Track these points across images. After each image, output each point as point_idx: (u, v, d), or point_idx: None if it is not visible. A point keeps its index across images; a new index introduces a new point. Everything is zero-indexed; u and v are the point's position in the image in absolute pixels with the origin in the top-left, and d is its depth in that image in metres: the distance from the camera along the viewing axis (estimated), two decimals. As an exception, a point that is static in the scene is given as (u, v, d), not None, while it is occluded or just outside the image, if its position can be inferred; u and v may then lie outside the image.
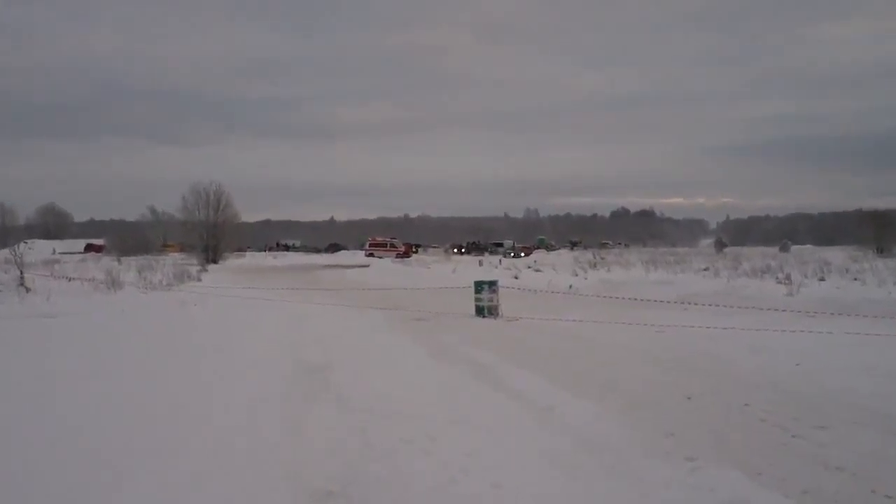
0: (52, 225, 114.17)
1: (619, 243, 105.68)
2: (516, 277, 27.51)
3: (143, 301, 19.89)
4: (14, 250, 27.71)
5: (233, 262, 57.82)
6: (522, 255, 65.25)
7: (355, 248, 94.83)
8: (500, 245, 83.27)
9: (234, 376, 8.90)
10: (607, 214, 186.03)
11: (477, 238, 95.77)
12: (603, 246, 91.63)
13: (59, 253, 74.46)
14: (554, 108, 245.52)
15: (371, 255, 66.90)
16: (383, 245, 70.59)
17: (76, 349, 11.27)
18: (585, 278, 26.28)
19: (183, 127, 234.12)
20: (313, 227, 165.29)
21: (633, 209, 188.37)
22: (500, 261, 46.21)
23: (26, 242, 62.78)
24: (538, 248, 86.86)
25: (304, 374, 9.14)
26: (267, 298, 20.14)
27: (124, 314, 16.37)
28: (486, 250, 78.05)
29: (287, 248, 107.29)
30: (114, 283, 22.90)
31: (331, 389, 8.15)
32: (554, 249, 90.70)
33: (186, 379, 8.77)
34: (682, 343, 11.57)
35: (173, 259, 51.22)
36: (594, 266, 34.81)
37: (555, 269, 33.62)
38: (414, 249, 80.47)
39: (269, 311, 17.23)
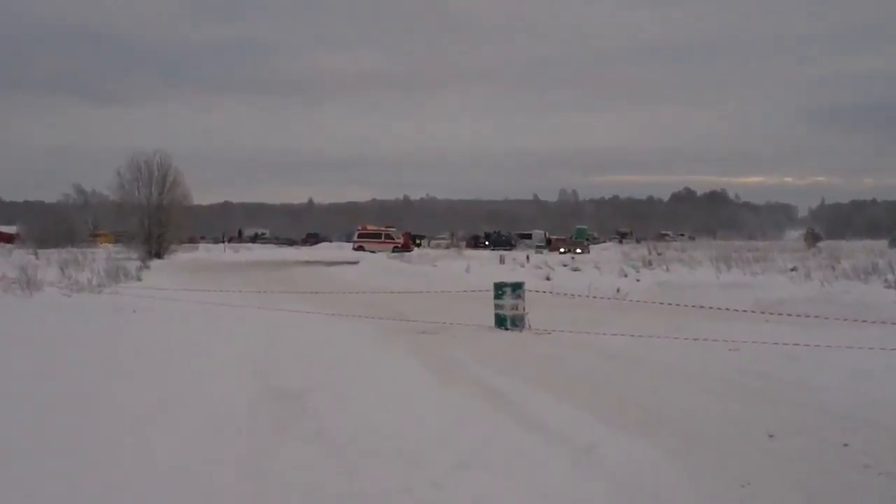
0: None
1: (682, 235, 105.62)
2: (548, 278, 27.48)
3: (66, 307, 19.89)
4: None
5: (182, 256, 57.95)
6: (562, 250, 65.17)
7: (341, 240, 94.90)
8: (528, 237, 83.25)
9: (184, 404, 8.92)
10: (666, 197, 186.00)
11: (497, 228, 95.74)
12: (661, 238, 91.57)
13: (-44, 244, 74.91)
14: (595, 59, 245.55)
15: (361, 248, 67.09)
16: (376, 236, 70.71)
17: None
18: (637, 280, 26.24)
19: (117, 81, 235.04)
20: (287, 211, 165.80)
21: (699, 190, 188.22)
22: (528, 257, 46.16)
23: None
24: (577, 240, 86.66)
25: (275, 400, 9.16)
26: (227, 304, 20.19)
27: (42, 323, 16.40)
28: (510, 243, 77.97)
29: (253, 238, 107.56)
30: (29, 284, 22.94)
31: (308, 420, 8.17)
32: (597, 242, 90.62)
33: (119, 407, 8.77)
34: (762, 365, 11.51)
35: (106, 252, 51.19)
36: (649, 264, 34.77)
37: (598, 267, 33.59)
38: (416, 242, 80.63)
39: (230, 321, 17.26)
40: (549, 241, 77.89)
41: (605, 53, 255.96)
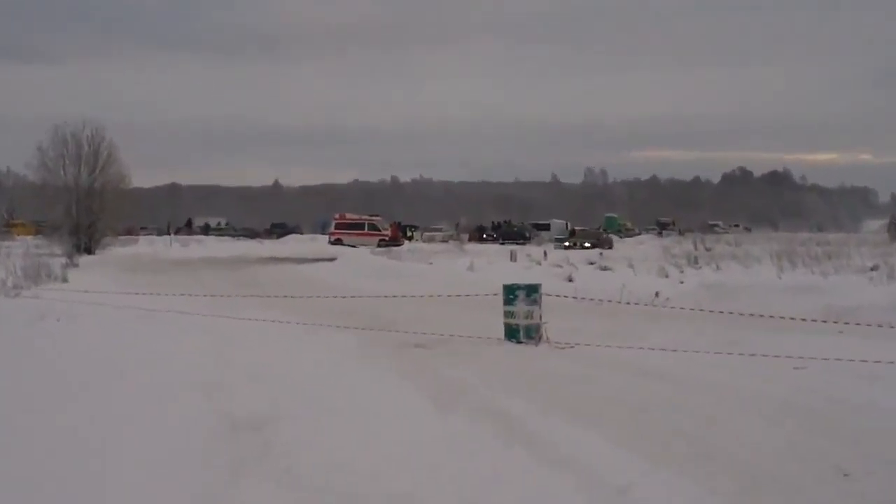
0: None
1: (735, 225, 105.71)
2: (571, 279, 27.49)
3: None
4: None
5: (119, 251, 57.89)
6: (568, 244, 65.22)
7: (314, 232, 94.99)
8: (546, 227, 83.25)
9: (115, 437, 8.89)
10: (716, 179, 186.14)
11: (507, 216, 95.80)
12: (709, 230, 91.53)
13: None
14: (629, 9, 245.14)
15: (339, 241, 67.03)
16: (358, 226, 70.73)
17: None
18: (681, 281, 26.26)
19: (36, 32, 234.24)
20: (247, 196, 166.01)
21: (757, 171, 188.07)
22: (546, 253, 46.18)
23: None
24: (606, 231, 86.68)
25: (231, 431, 9.15)
26: (173, 311, 20.16)
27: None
28: (524, 236, 77.99)
29: (206, 229, 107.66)
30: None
31: (273, 456, 8.16)
32: (632, 234, 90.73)
33: (35, 442, 8.75)
34: (834, 387, 11.51)
35: (24, 246, 51.13)
36: (695, 262, 34.79)
37: (632, 265, 33.58)
38: (407, 234, 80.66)
39: (177, 332, 17.22)
40: (573, 233, 77.90)
41: (640, 4, 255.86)
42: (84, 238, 55.80)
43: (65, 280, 29.97)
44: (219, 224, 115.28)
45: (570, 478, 7.59)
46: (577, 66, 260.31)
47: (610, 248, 61.78)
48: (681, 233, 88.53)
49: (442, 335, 16.65)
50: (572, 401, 10.88)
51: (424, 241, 75.24)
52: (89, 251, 54.19)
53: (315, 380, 12.19)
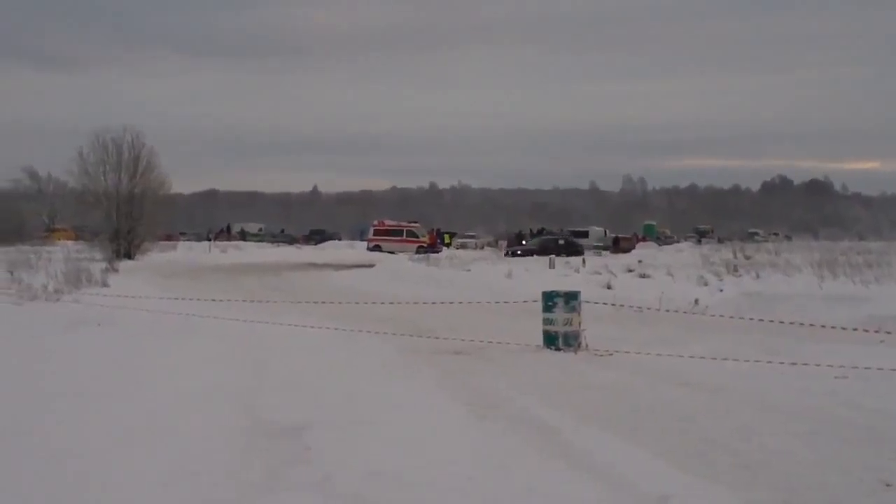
0: None
1: (775, 234, 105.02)
2: (609, 287, 27.39)
3: (15, 318, 20.08)
4: None
5: (158, 257, 57.97)
6: (600, 252, 64.93)
7: (352, 238, 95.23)
8: (584, 235, 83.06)
9: (152, 442, 8.92)
10: (756, 187, 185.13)
11: (545, 224, 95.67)
12: (749, 238, 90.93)
13: None
14: (668, 12, 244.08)
15: (377, 247, 67.28)
16: (397, 233, 70.89)
17: None
18: (721, 289, 26.07)
19: (76, 41, 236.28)
20: (285, 203, 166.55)
21: (797, 179, 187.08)
22: (584, 261, 46.09)
23: None
24: (645, 239, 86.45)
25: (266, 438, 9.16)
26: (211, 316, 20.23)
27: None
28: (562, 243, 77.85)
29: (244, 235, 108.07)
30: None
31: (308, 464, 8.15)
32: (671, 242, 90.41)
33: (71, 443, 8.78)
34: (877, 398, 11.43)
35: (65, 251, 51.35)
36: (734, 270, 34.54)
37: (671, 273, 33.43)
38: (445, 241, 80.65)
39: (214, 337, 17.28)
40: (616, 241, 77.60)
41: (683, 5, 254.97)
42: (124, 243, 55.91)
43: (105, 285, 30.05)
44: (260, 230, 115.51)
45: (607, 488, 7.54)
46: (617, 72, 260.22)
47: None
48: (720, 240, 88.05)
49: (480, 342, 16.63)
50: (610, 410, 10.83)
51: (456, 249, 75.09)
52: (129, 256, 54.37)
53: (352, 386, 12.19)
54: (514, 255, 70.50)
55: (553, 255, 48.47)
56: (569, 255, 53.88)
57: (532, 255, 56.66)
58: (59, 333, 17.55)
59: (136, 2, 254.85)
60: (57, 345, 16.14)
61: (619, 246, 74.12)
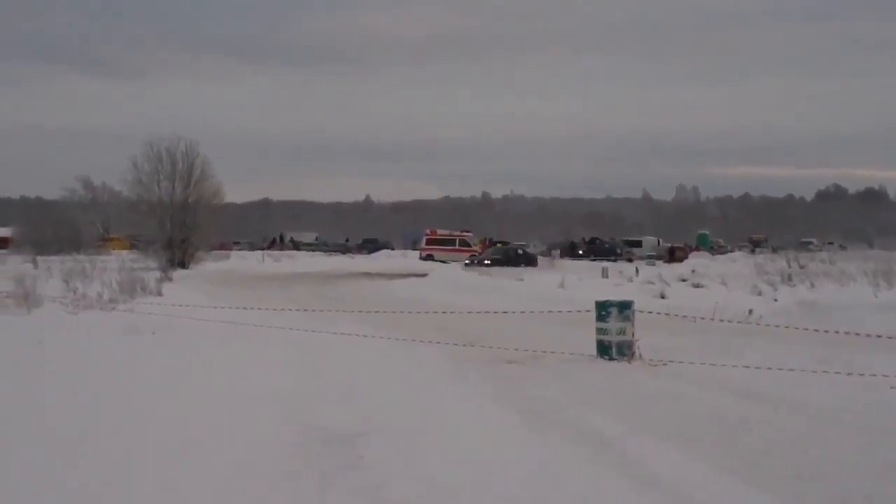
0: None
1: (830, 243, 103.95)
2: (663, 296, 27.32)
3: (70, 326, 20.21)
4: None
5: (211, 266, 58.24)
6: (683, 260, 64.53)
7: (405, 247, 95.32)
8: (637, 244, 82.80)
9: (209, 447, 8.99)
10: (810, 196, 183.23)
11: (597, 233, 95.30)
12: (803, 247, 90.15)
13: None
14: (722, 19, 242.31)
15: (430, 257, 67.26)
16: (449, 242, 70.80)
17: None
18: (775, 299, 25.91)
19: (128, 49, 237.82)
20: (338, 211, 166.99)
21: (851, 188, 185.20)
22: (638, 270, 45.93)
23: None
24: (697, 249, 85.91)
25: (320, 445, 9.20)
26: (264, 325, 20.33)
27: (39, 347, 16.66)
28: (615, 252, 77.58)
29: (297, 245, 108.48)
30: (27, 298, 23.38)
31: (362, 472, 8.17)
32: (724, 251, 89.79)
33: (129, 452, 8.84)
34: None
35: (119, 261, 51.56)
36: (788, 280, 34.31)
37: (725, 283, 33.27)
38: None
39: (268, 346, 17.37)
40: (672, 251, 77.06)
41: (734, 11, 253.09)
42: (178, 252, 56.17)
43: (159, 294, 30.32)
44: (316, 239, 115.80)
45: (662, 499, 7.51)
46: (671, 80, 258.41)
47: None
48: (773, 250, 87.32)
49: (533, 352, 16.60)
50: (665, 419, 10.79)
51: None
52: (183, 265, 54.62)
53: (405, 395, 12.21)
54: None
55: (605, 265, 48.35)
56: (527, 265, 53.60)
57: (493, 265, 56.55)
58: (115, 342, 17.69)
59: (193, 9, 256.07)
60: (112, 353, 16.26)
61: (674, 256, 73.58)
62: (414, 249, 79.59)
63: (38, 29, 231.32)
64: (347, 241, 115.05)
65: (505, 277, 40.00)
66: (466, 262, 60.11)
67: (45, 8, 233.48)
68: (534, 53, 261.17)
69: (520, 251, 64.28)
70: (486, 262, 55.53)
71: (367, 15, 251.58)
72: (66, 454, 8.63)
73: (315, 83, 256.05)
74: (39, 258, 52.81)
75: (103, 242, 79.34)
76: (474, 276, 41.27)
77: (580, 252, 79.62)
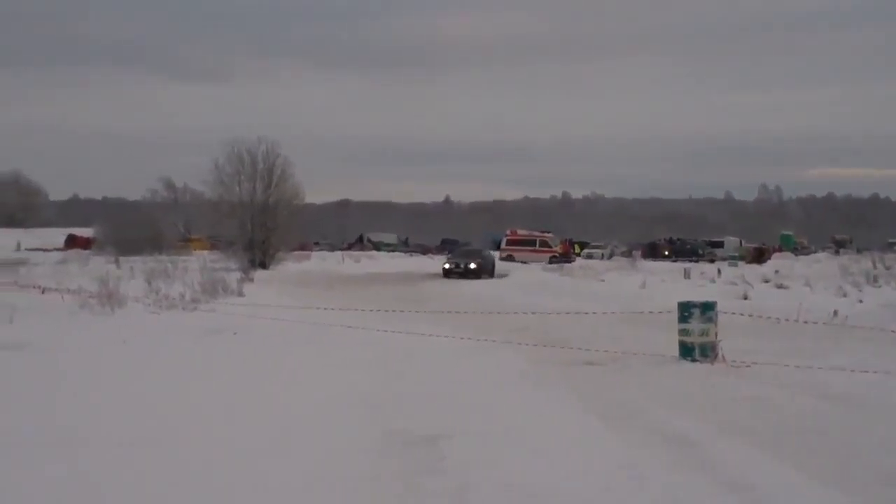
0: (16, 206, 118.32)
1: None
2: (746, 297, 27.08)
3: (153, 326, 20.58)
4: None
5: (292, 267, 58.30)
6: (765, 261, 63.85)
7: (485, 248, 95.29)
8: (719, 245, 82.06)
9: (290, 448, 9.08)
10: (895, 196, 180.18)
11: (678, 233, 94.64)
12: (889, 248, 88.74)
13: (27, 249, 78.17)
14: (805, 20, 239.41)
15: (510, 257, 67.19)
16: (529, 243, 70.67)
17: (39, 405, 11.58)
18: (860, 300, 25.57)
19: (211, 53, 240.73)
20: (418, 212, 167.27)
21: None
22: (720, 271, 45.56)
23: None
24: (780, 249, 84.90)
25: (401, 447, 9.24)
26: (344, 325, 20.44)
27: (126, 346, 16.92)
28: (696, 253, 76.96)
29: (377, 246, 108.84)
30: (110, 299, 23.76)
31: (445, 474, 8.19)
32: (808, 252, 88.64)
33: (215, 452, 8.94)
34: None
35: (200, 261, 51.77)
36: (874, 281, 33.86)
37: (809, 284, 32.89)
38: (577, 250, 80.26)
39: (348, 346, 17.49)
40: (760, 252, 76.16)
41: (818, 12, 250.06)
42: (258, 253, 56.29)
43: (240, 294, 30.63)
44: (400, 239, 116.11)
45: (747, 502, 7.43)
46: (751, 80, 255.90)
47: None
48: (858, 251, 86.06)
49: (614, 353, 16.54)
50: (749, 422, 10.69)
51: (595, 259, 74.41)
52: (264, 266, 54.73)
53: (486, 397, 12.21)
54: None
55: (687, 266, 47.97)
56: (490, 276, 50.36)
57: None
58: (197, 342, 17.93)
59: (277, 13, 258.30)
60: (195, 353, 16.48)
61: (762, 256, 72.73)
62: (494, 250, 79.50)
63: (125, 35, 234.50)
64: (398, 239, 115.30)
65: (585, 278, 39.88)
66: (548, 263, 60.03)
67: (128, 16, 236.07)
68: (616, 57, 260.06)
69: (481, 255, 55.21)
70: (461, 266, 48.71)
71: (445, 18, 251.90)
72: (156, 457, 8.73)
73: (394, 86, 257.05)
74: (122, 259, 53.50)
75: (185, 243, 79.85)
76: (554, 277, 41.20)
77: (664, 253, 79.17)
